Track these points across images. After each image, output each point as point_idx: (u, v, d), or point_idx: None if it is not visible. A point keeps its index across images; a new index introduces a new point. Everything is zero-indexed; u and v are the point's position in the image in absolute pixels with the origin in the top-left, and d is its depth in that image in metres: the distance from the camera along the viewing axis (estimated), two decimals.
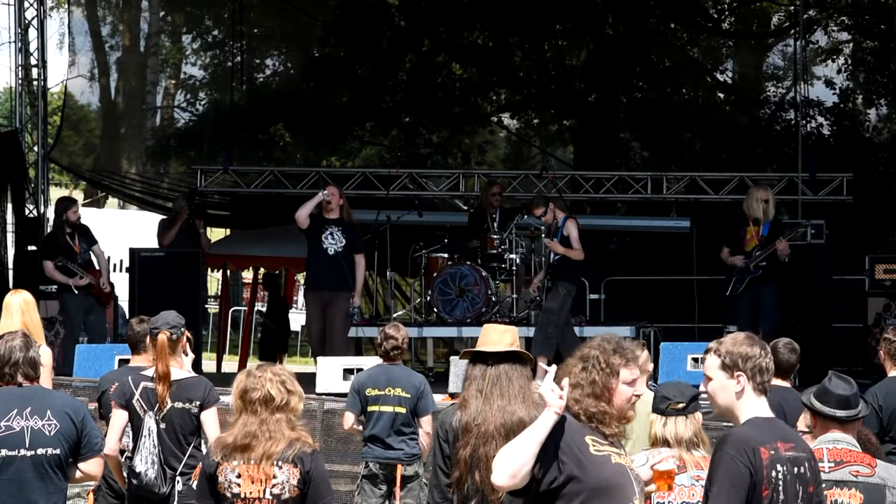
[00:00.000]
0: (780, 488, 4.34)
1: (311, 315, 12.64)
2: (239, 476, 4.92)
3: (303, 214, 12.21)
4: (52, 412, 5.60)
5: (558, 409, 4.18)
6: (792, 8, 20.83)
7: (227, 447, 4.95)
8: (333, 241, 12.17)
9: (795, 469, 4.39)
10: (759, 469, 4.33)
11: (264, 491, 4.90)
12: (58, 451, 5.58)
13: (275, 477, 4.91)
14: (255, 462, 4.90)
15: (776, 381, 7.13)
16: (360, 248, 12.37)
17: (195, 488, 5.11)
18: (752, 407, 4.47)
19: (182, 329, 6.92)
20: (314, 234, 12.24)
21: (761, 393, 4.49)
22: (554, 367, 4.34)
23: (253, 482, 4.90)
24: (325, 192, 12.28)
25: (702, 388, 4.66)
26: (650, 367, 8.80)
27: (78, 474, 5.75)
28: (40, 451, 5.57)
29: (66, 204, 13.41)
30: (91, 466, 5.73)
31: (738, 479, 4.33)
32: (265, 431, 4.91)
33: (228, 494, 4.92)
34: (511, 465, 4.20)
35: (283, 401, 4.96)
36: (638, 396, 4.52)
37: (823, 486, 4.56)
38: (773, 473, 4.34)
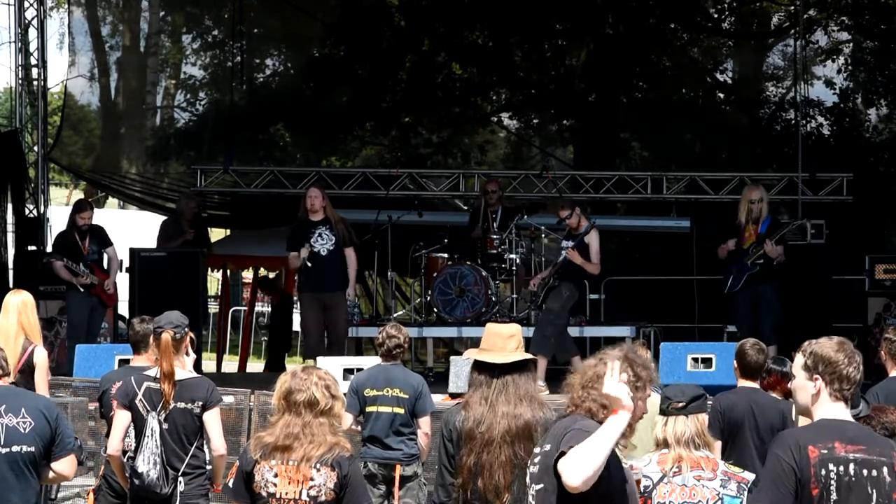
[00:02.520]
0: (833, 488, 4.31)
1: (307, 316, 12.68)
2: (276, 476, 4.92)
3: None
4: (27, 410, 5.62)
5: (630, 409, 4.19)
6: (792, 8, 20.83)
7: (267, 447, 4.95)
8: (324, 242, 12.26)
9: (865, 471, 4.34)
10: (804, 467, 4.32)
11: (300, 492, 4.90)
12: (32, 449, 5.59)
13: (312, 479, 4.90)
14: (295, 463, 4.91)
15: (745, 383, 7.17)
16: (349, 242, 12.44)
17: (231, 486, 5.11)
18: (826, 410, 4.46)
19: (186, 329, 6.93)
20: (303, 238, 12.31)
21: (839, 399, 4.46)
22: (617, 364, 4.32)
23: (290, 483, 4.90)
24: (303, 253, 12.28)
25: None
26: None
27: (51, 474, 5.74)
28: (15, 448, 5.57)
29: (79, 206, 13.47)
30: (63, 466, 5.72)
31: (780, 478, 4.33)
32: (308, 434, 4.92)
33: (264, 493, 4.93)
34: (587, 469, 4.14)
35: (328, 405, 4.96)
36: (644, 413, 4.54)
37: None
38: (823, 472, 4.32)
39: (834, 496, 4.32)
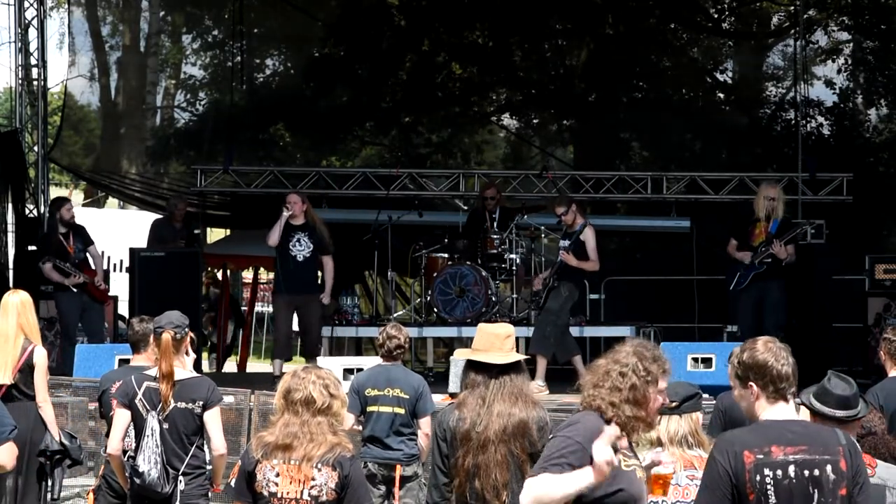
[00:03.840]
0: (770, 492, 4.32)
1: (279, 317, 12.84)
2: (278, 475, 4.93)
3: (274, 240, 12.39)
4: None
5: (600, 478, 4.18)
6: (792, 8, 20.84)
7: (268, 446, 4.96)
8: (301, 248, 12.37)
9: (806, 472, 4.34)
10: (739, 472, 4.34)
11: (302, 492, 4.90)
12: None
13: (313, 479, 4.91)
14: (296, 463, 4.91)
15: None
16: (326, 250, 12.55)
17: (233, 485, 5.11)
18: (767, 413, 4.48)
19: (186, 329, 6.92)
20: (282, 241, 12.40)
21: (779, 399, 4.47)
22: (615, 428, 4.34)
23: (291, 482, 4.91)
24: (287, 207, 12.39)
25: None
26: None
27: None
28: None
29: (59, 202, 13.44)
30: (0, 454, 5.67)
31: (715, 482, 4.36)
32: (306, 433, 4.92)
33: (265, 493, 4.93)
34: (540, 498, 4.25)
35: (325, 404, 4.96)
36: (664, 405, 4.58)
37: (863, 486, 4.46)
38: (758, 477, 4.32)
39: (773, 499, 4.32)
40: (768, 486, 4.32)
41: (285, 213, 12.37)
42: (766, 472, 4.33)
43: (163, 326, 6.85)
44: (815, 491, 4.35)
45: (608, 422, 4.40)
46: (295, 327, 13.24)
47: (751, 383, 4.48)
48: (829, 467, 4.37)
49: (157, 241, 14.38)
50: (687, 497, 5.27)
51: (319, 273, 12.68)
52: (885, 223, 20.22)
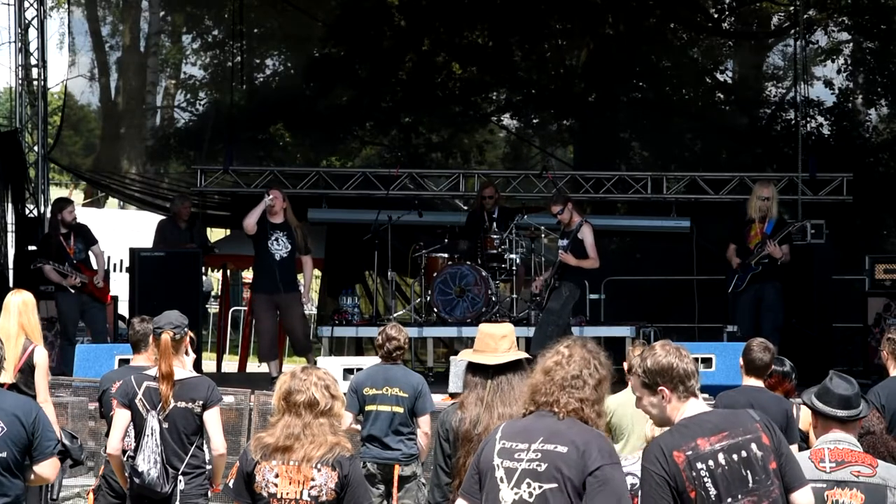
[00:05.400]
0: (708, 484, 4.37)
1: (261, 318, 12.80)
2: (277, 476, 4.93)
3: (251, 223, 12.30)
4: (1, 414, 5.53)
5: None
6: (792, 8, 20.83)
7: (268, 447, 4.96)
8: (279, 247, 12.32)
9: (735, 456, 4.40)
10: (676, 475, 4.38)
11: (301, 493, 4.91)
12: (4, 455, 5.50)
13: (313, 479, 4.91)
14: (296, 463, 4.92)
15: (750, 381, 7.16)
16: (305, 250, 12.54)
17: (232, 486, 5.11)
18: (682, 412, 4.52)
19: (185, 329, 6.92)
20: (260, 239, 12.36)
21: (689, 396, 4.53)
22: None
23: (291, 483, 4.91)
24: (270, 197, 12.34)
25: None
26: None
27: (31, 476, 5.69)
28: None
29: (61, 204, 13.44)
30: (44, 469, 5.66)
31: (655, 491, 4.39)
32: (308, 434, 4.93)
33: (265, 494, 4.93)
34: None
35: (328, 406, 4.96)
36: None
37: (786, 456, 4.52)
38: (694, 473, 4.37)
39: (713, 491, 4.37)
40: (705, 479, 4.37)
41: (266, 200, 12.29)
42: (699, 465, 4.38)
43: (162, 327, 6.85)
44: (748, 472, 4.40)
45: (585, 420, 4.39)
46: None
47: (661, 388, 4.52)
48: (753, 445, 4.44)
49: (163, 242, 14.38)
50: None
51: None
52: (885, 223, 20.23)
